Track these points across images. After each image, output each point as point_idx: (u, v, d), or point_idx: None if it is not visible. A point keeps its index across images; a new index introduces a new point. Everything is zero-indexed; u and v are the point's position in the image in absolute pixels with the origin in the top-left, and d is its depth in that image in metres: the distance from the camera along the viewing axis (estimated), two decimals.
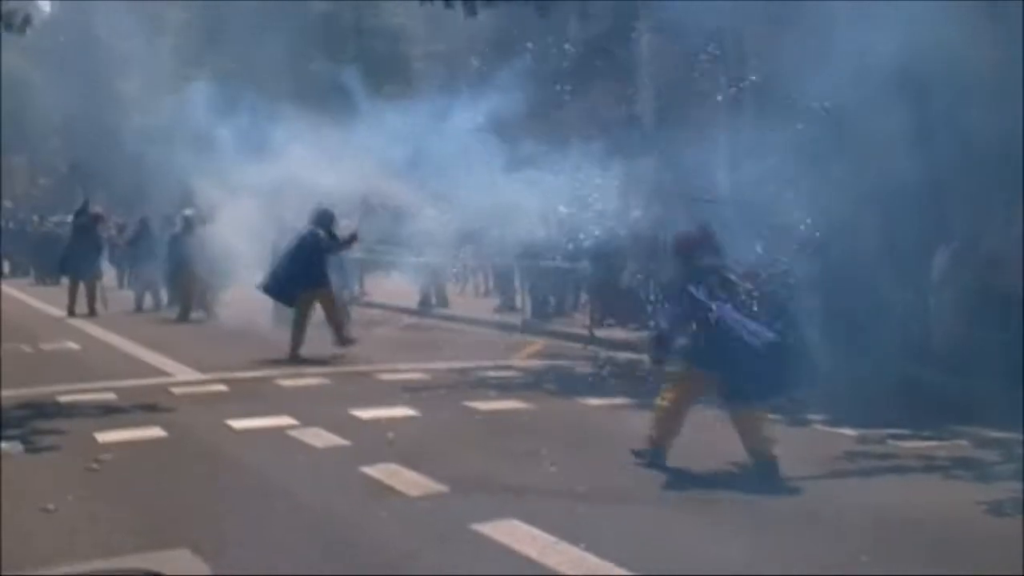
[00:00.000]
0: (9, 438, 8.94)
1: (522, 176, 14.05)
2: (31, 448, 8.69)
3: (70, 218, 24.74)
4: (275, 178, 15.46)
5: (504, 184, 13.97)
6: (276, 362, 13.19)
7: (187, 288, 19.29)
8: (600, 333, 15.71)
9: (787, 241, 10.32)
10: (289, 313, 17.29)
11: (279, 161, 15.43)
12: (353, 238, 14.53)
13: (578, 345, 15.32)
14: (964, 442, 8.65)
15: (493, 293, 21.20)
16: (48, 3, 47.39)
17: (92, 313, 19.73)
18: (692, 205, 8.00)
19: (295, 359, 13.57)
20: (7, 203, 42.68)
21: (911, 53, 9.55)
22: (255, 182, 15.58)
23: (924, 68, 9.91)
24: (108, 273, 23.30)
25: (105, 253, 23.13)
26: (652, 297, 12.62)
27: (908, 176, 10.52)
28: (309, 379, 12.08)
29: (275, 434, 9.15)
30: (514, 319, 17.82)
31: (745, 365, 7.45)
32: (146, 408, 10.30)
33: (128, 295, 22.39)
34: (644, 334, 15.36)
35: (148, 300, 21.30)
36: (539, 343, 15.67)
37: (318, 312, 14.21)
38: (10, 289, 28.31)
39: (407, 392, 11.14)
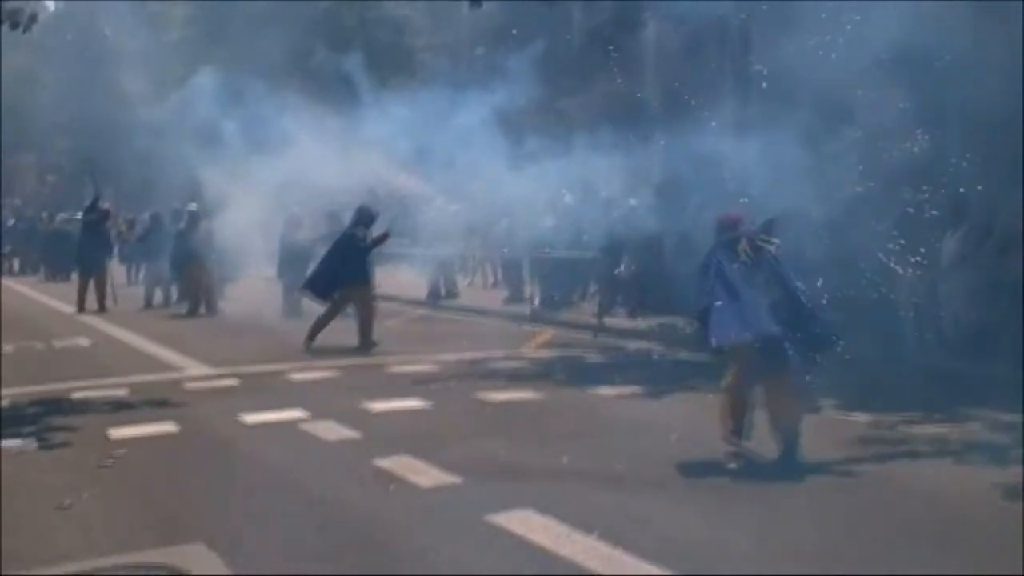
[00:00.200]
0: (23, 435, 8.98)
1: (529, 167, 14.05)
2: (45, 445, 8.73)
3: (79, 215, 24.81)
4: (281, 171, 15.49)
5: (511, 175, 13.97)
6: (286, 356, 13.21)
7: (194, 283, 19.34)
8: (609, 322, 15.71)
9: (795, 227, 10.29)
10: (302, 307, 17.50)
11: (285, 154, 15.46)
12: (386, 236, 14.64)
13: (587, 335, 15.32)
14: (976, 426, 8.64)
15: (502, 284, 21.20)
16: (53, 1, 47.44)
17: (102, 309, 19.78)
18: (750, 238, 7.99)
19: (307, 347, 13.70)
20: (16, 201, 42.81)
21: (920, 34, 9.52)
22: (262, 175, 15.62)
23: (934, 49, 9.88)
24: (118, 269, 23.35)
25: (115, 249, 23.19)
26: (679, 286, 12.60)
27: (917, 160, 10.51)
28: (320, 372, 12.10)
29: (287, 428, 9.17)
30: (523, 310, 17.82)
31: (794, 329, 7.45)
32: (158, 404, 10.33)
33: (137, 291, 22.44)
34: (653, 322, 15.43)
35: (158, 296, 21.35)
36: (548, 333, 15.67)
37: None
38: (20, 286, 28.41)
39: (418, 384, 11.16)
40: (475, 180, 14.51)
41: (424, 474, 7.40)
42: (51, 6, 46.17)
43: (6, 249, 34.77)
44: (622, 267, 16.01)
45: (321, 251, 18.68)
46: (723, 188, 11.72)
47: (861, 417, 8.87)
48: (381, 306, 19.10)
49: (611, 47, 17.40)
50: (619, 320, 16.01)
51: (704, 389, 10.36)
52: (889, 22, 9.77)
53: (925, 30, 9.48)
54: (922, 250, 11.26)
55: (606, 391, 10.65)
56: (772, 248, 7.82)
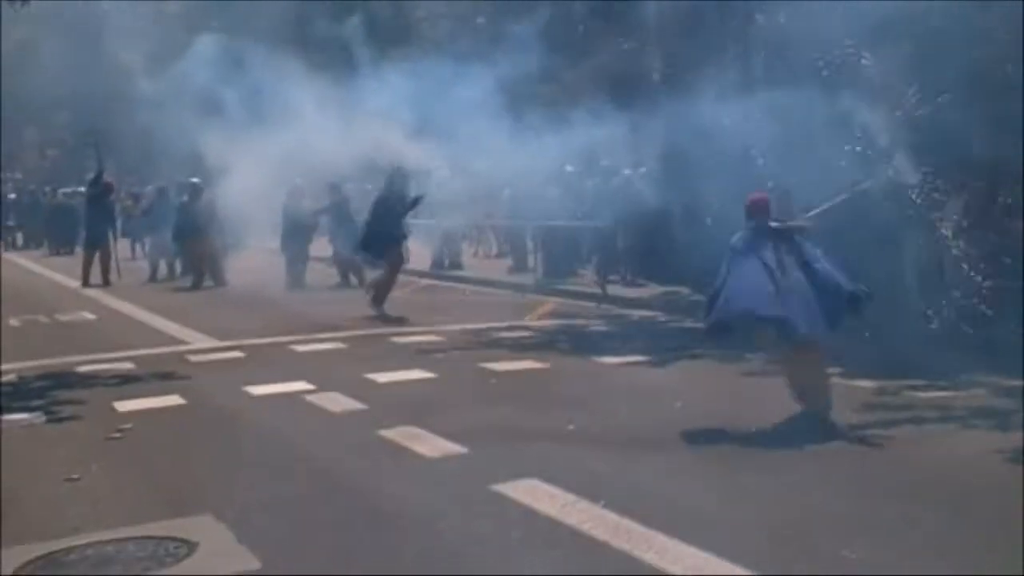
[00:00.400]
0: (30, 409, 9.02)
1: (531, 136, 14.01)
2: (52, 419, 8.77)
3: (81, 189, 24.78)
4: (283, 143, 15.45)
5: (514, 145, 13.94)
6: (291, 327, 13.23)
7: (198, 256, 19.36)
8: (612, 291, 15.73)
9: (799, 194, 10.27)
10: (305, 278, 17.65)
11: (287, 126, 15.42)
12: (420, 199, 14.94)
13: (591, 304, 15.33)
14: (981, 391, 8.65)
15: (506, 254, 21.21)
16: None
17: (106, 283, 19.81)
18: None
19: (379, 312, 14.15)
20: (17, 175, 42.76)
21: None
22: (263, 147, 15.58)
23: (939, 14, 9.82)
24: (122, 243, 23.35)
25: (119, 223, 23.19)
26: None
27: (922, 124, 10.46)
28: (324, 344, 12.12)
29: (292, 399, 9.20)
30: (527, 279, 17.83)
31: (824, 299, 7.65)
32: (164, 376, 10.37)
33: (142, 265, 22.46)
34: (657, 291, 15.44)
35: (162, 269, 21.38)
36: (552, 303, 15.68)
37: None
38: (25, 260, 28.45)
39: (422, 354, 11.18)
40: (478, 150, 14.47)
41: (429, 444, 7.43)
42: None
43: (9, 223, 34.80)
44: (619, 236, 16.01)
45: (324, 222, 18.79)
46: (727, 158, 11.70)
47: (865, 383, 8.89)
48: None
49: (613, 16, 17.29)
50: (623, 289, 16.02)
51: (708, 357, 10.41)
52: None
53: None
54: (927, 213, 11.23)
55: (610, 360, 10.67)
56: (798, 233, 7.91)
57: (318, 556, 5.40)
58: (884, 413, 8.00)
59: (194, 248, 19.35)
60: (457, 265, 20.50)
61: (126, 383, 10.17)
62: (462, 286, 18.40)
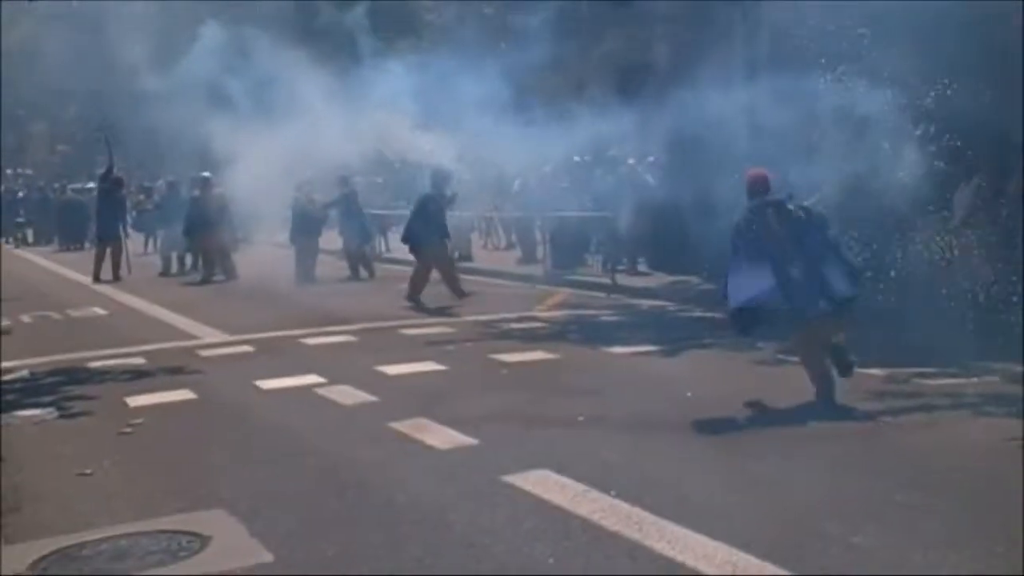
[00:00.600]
0: (43, 405, 9.06)
1: (539, 127, 14.00)
2: (65, 414, 8.81)
3: (90, 185, 24.82)
4: (292, 137, 15.47)
5: (522, 136, 13.93)
6: (301, 321, 13.25)
7: (208, 250, 19.40)
8: (622, 281, 15.72)
9: (808, 180, 10.25)
10: (315, 272, 17.73)
11: (295, 120, 15.44)
12: (454, 197, 15.42)
13: (601, 294, 15.33)
14: (993, 378, 8.63)
15: (515, 246, 21.19)
16: None
17: (117, 279, 19.85)
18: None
19: (416, 303, 14.48)
20: (27, 171, 42.88)
21: None
22: (272, 141, 15.60)
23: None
24: (134, 238, 23.38)
25: (130, 218, 23.24)
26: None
27: (932, 112, 10.42)
28: (335, 337, 12.14)
29: (303, 393, 9.22)
30: (536, 270, 17.82)
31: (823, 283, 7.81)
32: (175, 371, 10.39)
33: (152, 260, 22.51)
34: (666, 280, 15.43)
35: (174, 264, 21.42)
36: (562, 293, 15.68)
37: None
38: (35, 257, 28.55)
39: (432, 346, 11.19)
40: (486, 142, 14.48)
41: (440, 436, 7.44)
42: None
43: (19, 219, 34.89)
44: (627, 226, 16.00)
45: (333, 215, 18.86)
46: (734, 146, 11.68)
47: (876, 371, 8.87)
48: (395, 269, 19.22)
49: (620, 6, 17.26)
50: (632, 279, 16.01)
51: (718, 346, 10.41)
52: None
53: None
54: (937, 200, 11.20)
55: (620, 350, 10.67)
56: (802, 213, 7.94)
57: (330, 549, 5.41)
58: (894, 400, 7.99)
59: (205, 242, 19.38)
60: (467, 256, 20.50)
61: (137, 378, 10.20)
62: (472, 278, 18.40)
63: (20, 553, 5.53)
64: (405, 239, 15.54)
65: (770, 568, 4.89)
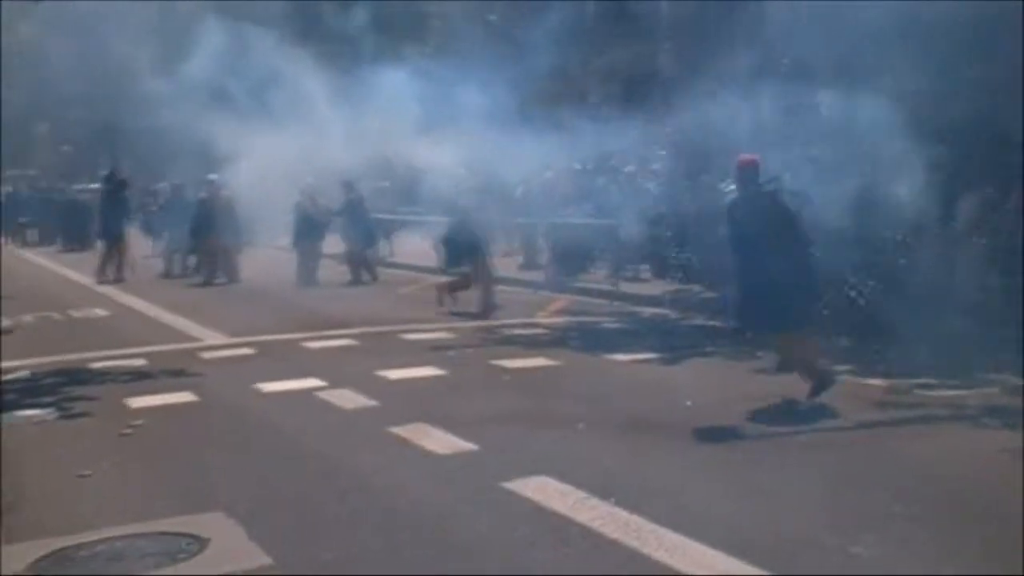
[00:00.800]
0: (43, 405, 9.06)
1: (543, 134, 14.01)
2: (65, 415, 8.81)
3: (93, 186, 24.83)
4: (296, 140, 15.49)
5: (525, 142, 13.94)
6: (303, 325, 13.26)
7: (212, 252, 19.41)
8: (624, 288, 15.71)
9: (812, 189, 10.26)
10: (317, 276, 17.71)
11: (300, 123, 15.45)
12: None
13: (603, 301, 15.32)
14: (993, 390, 8.62)
15: (517, 252, 21.17)
16: None
17: (120, 280, 19.86)
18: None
19: (449, 304, 14.45)
20: (31, 171, 42.91)
21: None
22: (277, 145, 15.61)
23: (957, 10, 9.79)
24: (139, 240, 23.39)
25: (135, 219, 23.26)
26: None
27: (936, 122, 10.41)
28: (336, 341, 12.14)
29: (304, 396, 9.22)
30: (538, 277, 17.81)
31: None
32: (176, 373, 10.40)
33: (156, 262, 22.51)
34: (668, 288, 15.42)
35: (177, 265, 21.43)
36: (563, 300, 15.67)
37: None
38: (38, 257, 28.55)
39: (434, 351, 11.19)
40: (489, 148, 14.47)
41: (440, 441, 7.44)
42: None
43: (23, 220, 34.89)
44: (629, 234, 16.00)
45: (337, 220, 18.90)
46: (735, 154, 11.67)
47: (877, 382, 8.87)
48: (397, 274, 19.25)
49: (624, 15, 17.29)
50: (633, 286, 16.00)
51: (719, 355, 10.41)
52: None
53: None
54: (939, 212, 11.19)
55: (621, 357, 10.66)
56: (789, 204, 8.05)
57: (328, 552, 5.41)
58: (895, 411, 7.99)
59: (211, 245, 19.40)
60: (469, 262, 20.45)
61: (138, 380, 10.20)
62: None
63: (19, 553, 5.53)
64: (449, 261, 15.27)
65: None
